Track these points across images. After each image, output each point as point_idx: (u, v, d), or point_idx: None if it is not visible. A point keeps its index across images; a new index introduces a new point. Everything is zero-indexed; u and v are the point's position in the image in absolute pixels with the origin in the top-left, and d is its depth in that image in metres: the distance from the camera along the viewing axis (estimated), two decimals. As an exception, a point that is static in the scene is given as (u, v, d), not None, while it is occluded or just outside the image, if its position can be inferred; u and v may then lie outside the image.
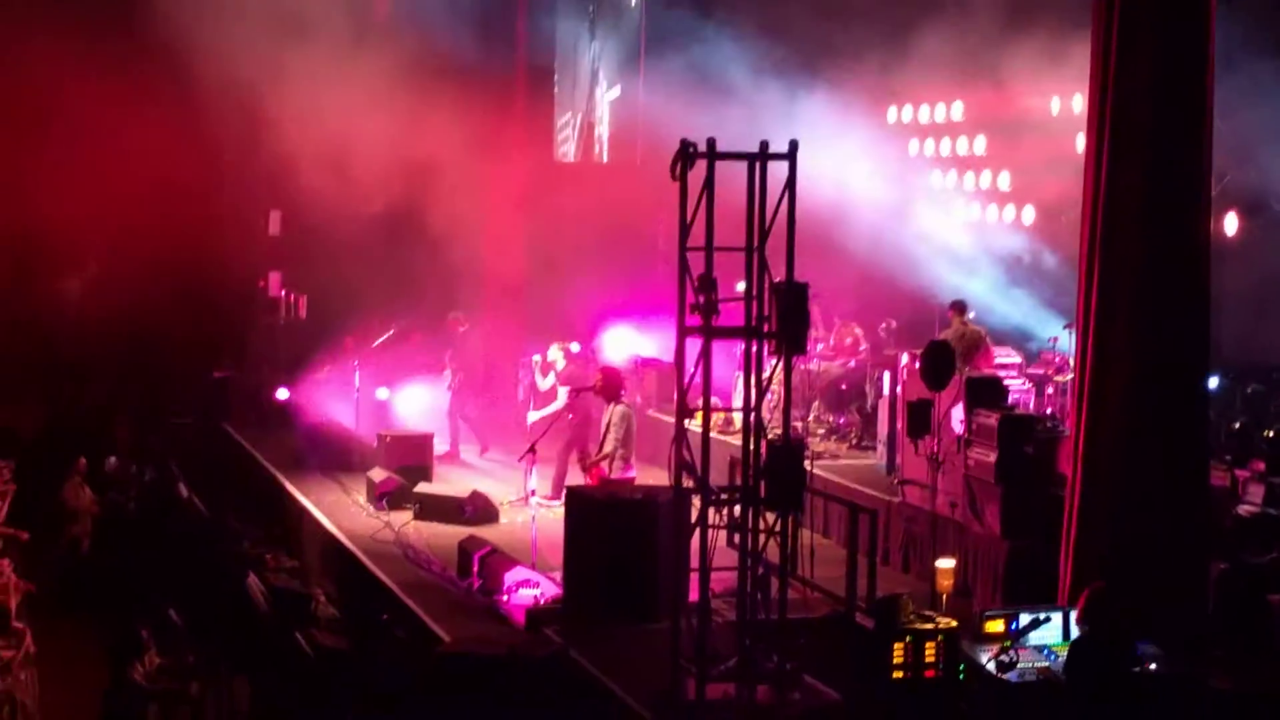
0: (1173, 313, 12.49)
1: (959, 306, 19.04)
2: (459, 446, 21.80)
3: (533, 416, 19.81)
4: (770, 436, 11.99)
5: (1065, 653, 10.97)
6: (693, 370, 11.79)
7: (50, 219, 27.21)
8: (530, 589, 14.45)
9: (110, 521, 20.59)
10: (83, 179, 25.90)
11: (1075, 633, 11.02)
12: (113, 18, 23.96)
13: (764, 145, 11.74)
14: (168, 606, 15.69)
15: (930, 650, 11.25)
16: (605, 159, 28.79)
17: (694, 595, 12.09)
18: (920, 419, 15.95)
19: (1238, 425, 17.63)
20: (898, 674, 11.28)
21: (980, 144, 23.05)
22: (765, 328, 11.75)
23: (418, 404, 22.11)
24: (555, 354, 20.14)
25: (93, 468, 21.51)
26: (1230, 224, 17.34)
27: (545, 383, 20.03)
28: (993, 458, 14.98)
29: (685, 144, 11.59)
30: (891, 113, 24.87)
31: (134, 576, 18.21)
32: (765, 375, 11.98)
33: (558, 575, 14.47)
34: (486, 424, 22.49)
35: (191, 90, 24.04)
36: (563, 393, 19.59)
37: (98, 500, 20.91)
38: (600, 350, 22.16)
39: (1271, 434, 17.00)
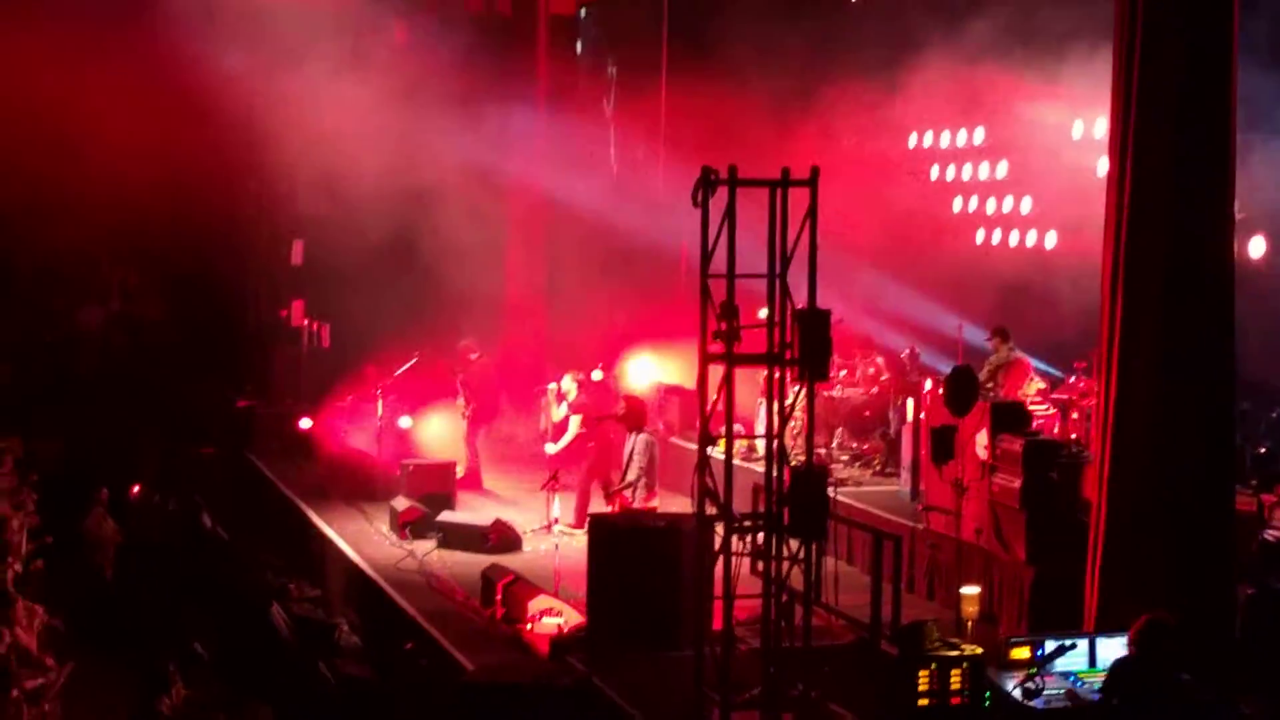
0: (1197, 337, 12.43)
1: (1001, 333, 18.93)
2: (480, 474, 21.78)
3: (550, 449, 19.75)
4: (793, 463, 11.96)
5: (1091, 677, 10.93)
6: (715, 397, 11.77)
7: (73, 248, 27.37)
8: (554, 617, 14.42)
9: (133, 551, 20.60)
10: (105, 208, 26.03)
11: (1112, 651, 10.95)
12: (134, 45, 24.03)
13: (785, 172, 11.74)
14: (194, 640, 15.69)
15: (956, 677, 11.19)
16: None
17: (718, 623, 12.05)
18: (944, 445, 15.89)
19: (1263, 450, 17.54)
20: (923, 701, 11.22)
21: (1002, 169, 23.01)
22: (787, 354, 11.73)
23: (440, 432, 22.08)
24: (569, 384, 20.11)
25: (115, 497, 21.54)
26: (1256, 247, 17.26)
27: (559, 413, 19.99)
28: (1017, 483, 14.92)
29: (706, 170, 11.60)
30: (913, 138, 24.85)
31: (158, 607, 18.20)
32: (788, 402, 11.95)
33: (581, 603, 14.44)
34: (499, 454, 22.50)
35: (214, 118, 24.14)
36: (574, 422, 19.51)
37: (120, 530, 20.93)
38: (621, 378, 22.15)
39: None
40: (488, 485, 21.76)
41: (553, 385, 20.63)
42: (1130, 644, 10.33)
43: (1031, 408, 17.07)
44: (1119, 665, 10.35)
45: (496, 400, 22.41)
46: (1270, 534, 14.31)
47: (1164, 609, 10.79)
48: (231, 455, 24.87)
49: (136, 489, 22.96)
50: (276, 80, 23.83)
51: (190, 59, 23.90)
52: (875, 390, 21.27)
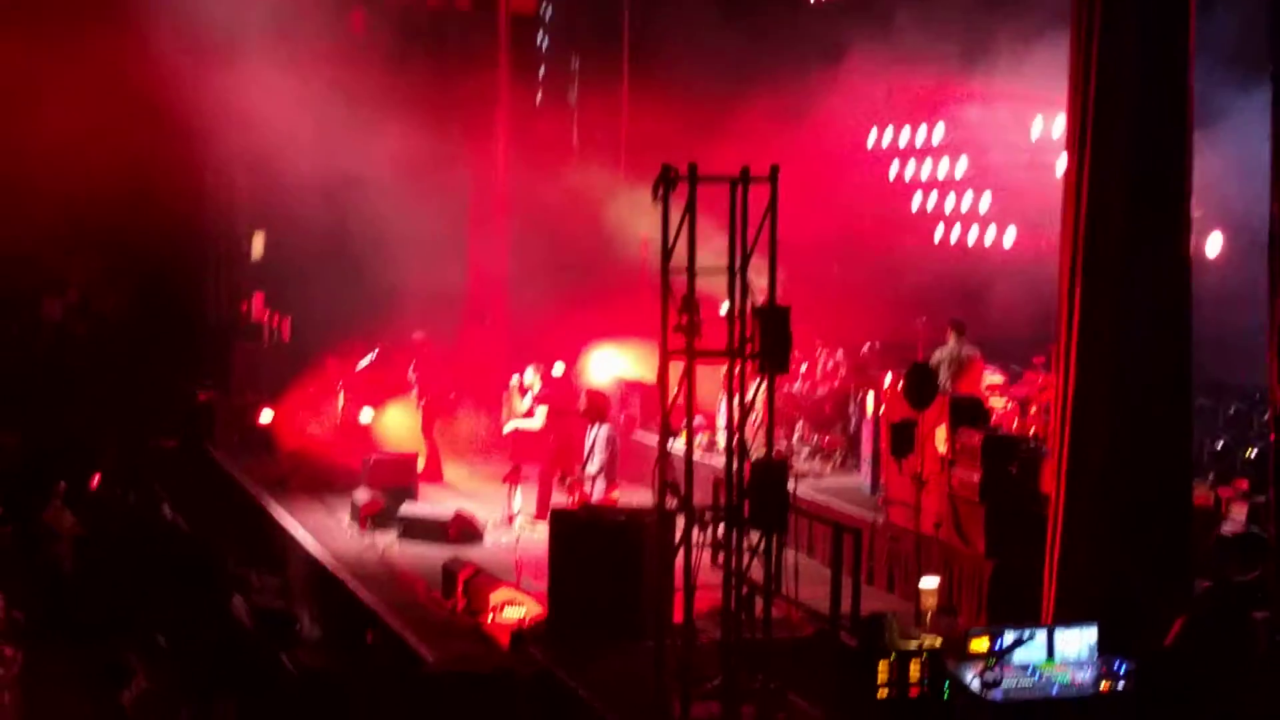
0: (1154, 333, 12.54)
1: (958, 326, 19.01)
2: (440, 466, 21.79)
3: (509, 426, 19.78)
4: (754, 457, 12.03)
5: (1049, 669, 11.07)
6: (676, 391, 11.83)
7: (31, 241, 27.21)
8: (515, 609, 14.45)
9: (92, 543, 20.52)
10: (63, 200, 25.90)
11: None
12: (92, 36, 23.94)
13: (745, 169, 11.81)
14: (155, 632, 15.65)
15: (915, 669, 11.26)
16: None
17: (678, 615, 12.11)
18: (904, 439, 16.00)
19: (1220, 444, 17.69)
20: (882, 693, 11.29)
21: (961, 166, 23.13)
22: (748, 349, 11.80)
23: (400, 425, 22.07)
24: (532, 377, 20.15)
25: (74, 490, 21.45)
26: (1213, 244, 17.41)
27: (522, 405, 20.02)
28: (976, 477, 15.03)
29: (666, 168, 11.65)
30: (872, 135, 24.95)
31: (118, 599, 18.16)
32: (749, 396, 12.02)
33: (542, 595, 14.48)
34: (460, 447, 22.51)
35: (173, 110, 24.06)
36: (540, 412, 19.56)
37: (79, 522, 20.85)
38: (583, 372, 22.17)
39: (1254, 453, 17.05)
40: (448, 478, 21.76)
41: (515, 378, 20.66)
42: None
43: (991, 403, 17.21)
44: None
45: (447, 391, 22.38)
46: (1227, 528, 14.44)
47: (1101, 601, 10.95)
48: (192, 448, 24.80)
49: (96, 481, 22.88)
50: (235, 72, 23.78)
51: (149, 50, 23.82)
52: (836, 385, 21.36)
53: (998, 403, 18.01)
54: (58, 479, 21.12)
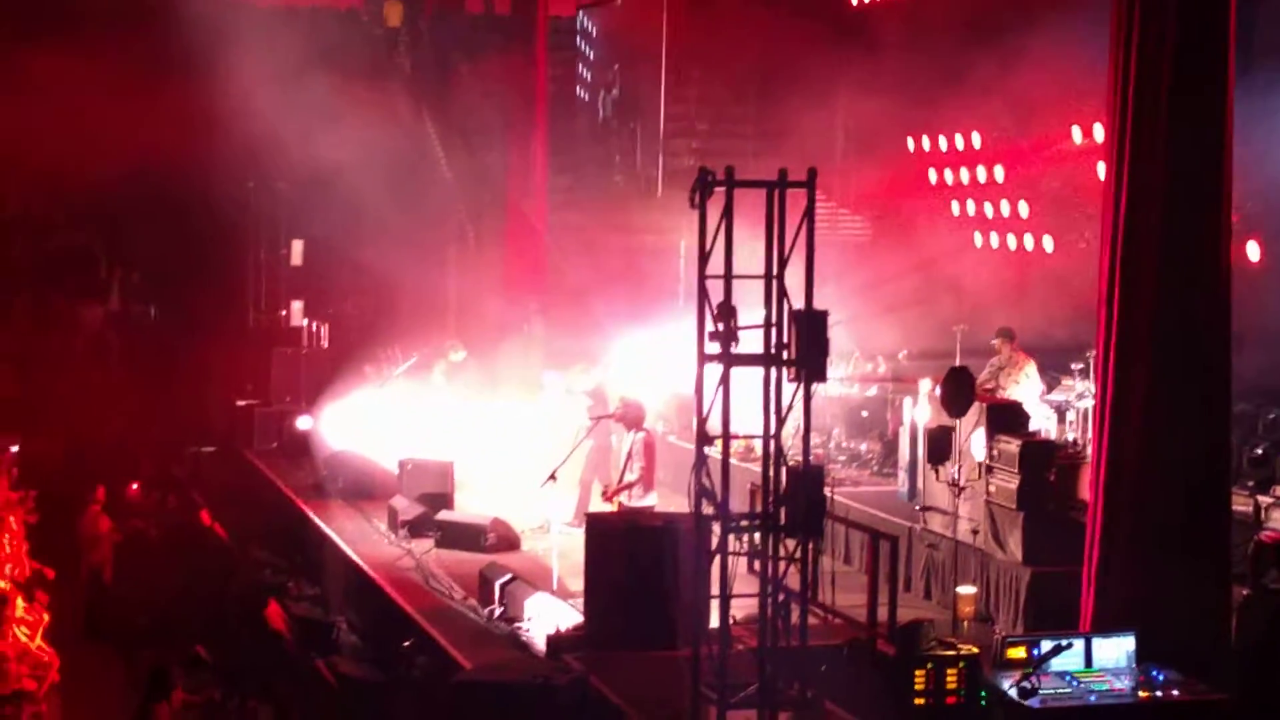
0: (1193, 339, 12.49)
1: (1006, 334, 18.95)
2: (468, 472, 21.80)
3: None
4: (790, 463, 12.01)
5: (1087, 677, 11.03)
6: (713, 397, 11.82)
7: (72, 247, 27.40)
8: (551, 616, 14.45)
9: (132, 549, 20.64)
10: (104, 208, 26.08)
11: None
12: (132, 44, 24.12)
13: (782, 173, 11.79)
14: (196, 643, 15.72)
15: (952, 677, 11.25)
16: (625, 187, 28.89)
17: (715, 622, 12.10)
18: (941, 445, 15.97)
19: (1259, 451, 17.57)
20: (919, 701, 11.28)
21: (999, 173, 23.05)
22: (784, 355, 11.78)
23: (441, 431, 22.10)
24: (578, 377, 20.14)
25: (114, 496, 21.58)
26: (1252, 251, 17.31)
27: (559, 403, 19.97)
28: (1014, 484, 14.98)
29: (704, 171, 11.65)
30: (910, 142, 24.90)
31: (157, 606, 18.25)
32: (785, 402, 12.00)
33: (579, 602, 14.48)
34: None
35: (214, 119, 24.21)
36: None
37: (119, 528, 20.97)
38: (620, 378, 22.14)
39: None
40: (486, 484, 21.78)
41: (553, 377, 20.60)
42: None
43: (1032, 409, 17.12)
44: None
45: (480, 398, 22.41)
46: (1266, 535, 14.34)
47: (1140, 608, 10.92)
48: (231, 454, 24.91)
49: (135, 487, 23.00)
50: (277, 84, 23.92)
51: (192, 62, 23.99)
52: (873, 391, 21.31)
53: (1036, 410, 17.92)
54: (96, 486, 21.27)
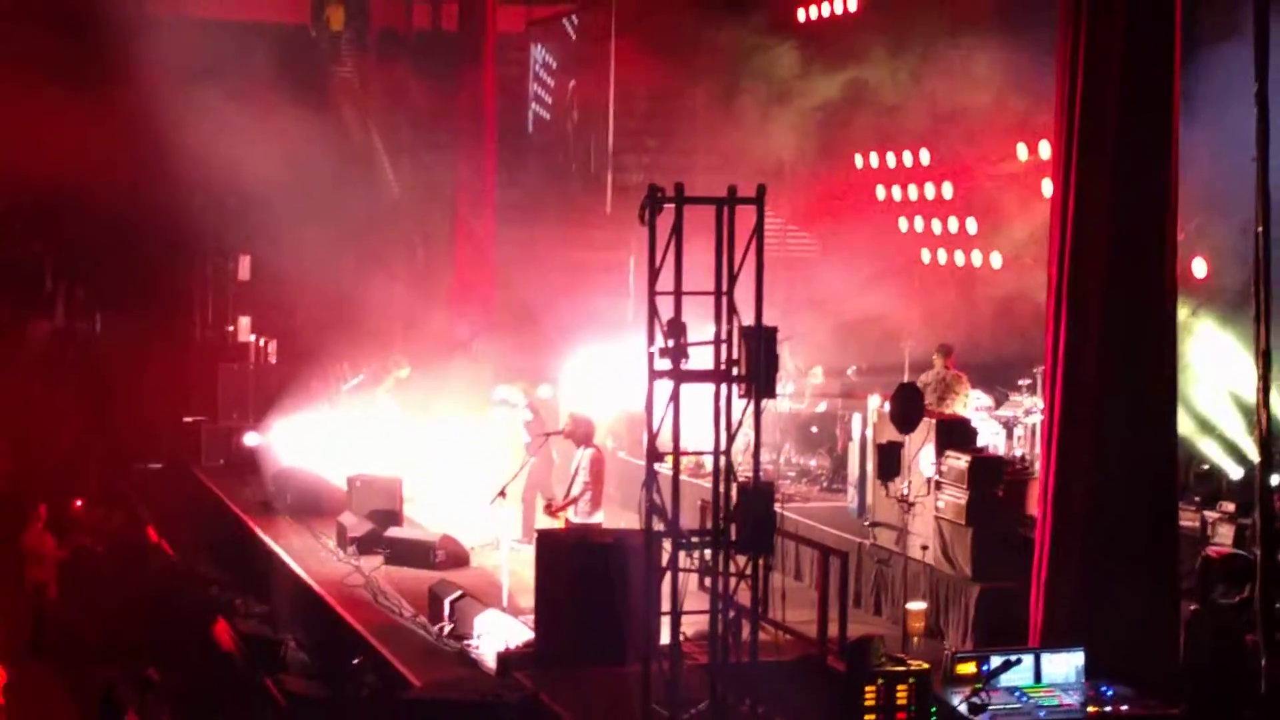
0: (1140, 356, 12.56)
1: (943, 349, 19.06)
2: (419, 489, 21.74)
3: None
4: (740, 479, 12.01)
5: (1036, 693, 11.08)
6: (663, 414, 11.81)
7: (17, 261, 27.20)
8: (501, 633, 14.40)
9: (79, 566, 20.49)
10: (50, 222, 25.90)
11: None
12: (80, 59, 24.00)
13: (732, 190, 11.81)
14: (144, 661, 15.60)
15: (902, 693, 11.24)
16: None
17: (665, 639, 12.08)
18: (890, 461, 16.01)
19: (1205, 467, 17.69)
20: (869, 717, 11.26)
21: (947, 190, 23.15)
22: (734, 371, 11.79)
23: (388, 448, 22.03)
24: (515, 395, 20.11)
25: (59, 512, 21.40)
26: (1198, 268, 17.43)
27: (507, 418, 19.94)
28: (963, 499, 15.03)
29: (653, 188, 11.66)
30: (858, 159, 24.98)
31: (104, 623, 18.12)
32: (735, 419, 12.00)
33: (529, 619, 14.44)
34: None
35: (160, 134, 24.10)
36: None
37: (64, 545, 20.80)
38: (569, 394, 22.12)
39: (1239, 476, 17.04)
40: (435, 500, 21.71)
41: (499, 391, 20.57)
42: None
43: (976, 425, 17.21)
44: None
45: (426, 415, 22.37)
46: (1213, 550, 14.45)
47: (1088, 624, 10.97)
48: (178, 471, 24.77)
49: (79, 504, 22.83)
50: (224, 98, 23.86)
51: (138, 76, 23.88)
52: (823, 407, 21.37)
53: (985, 426, 18.01)
54: (38, 502, 21.10)
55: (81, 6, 24.55)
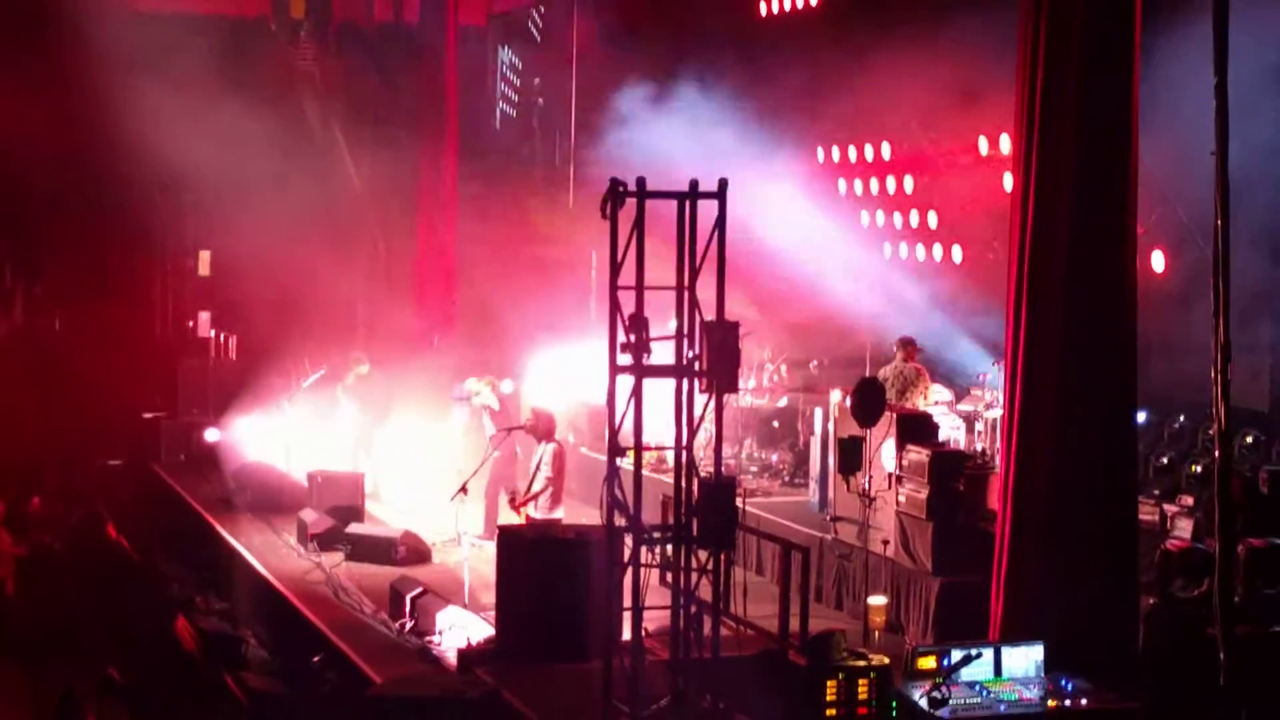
0: (1100, 348, 12.58)
1: (905, 343, 19.09)
2: (378, 486, 21.68)
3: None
4: (702, 474, 12.00)
5: (997, 687, 11.11)
6: (624, 409, 11.79)
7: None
8: (462, 630, 14.38)
9: (37, 564, 20.34)
10: (6, 217, 25.74)
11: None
12: (38, 52, 23.87)
13: (694, 184, 11.79)
14: (104, 660, 15.49)
15: (863, 687, 11.27)
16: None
17: (627, 634, 12.07)
18: (852, 456, 16.03)
19: (1165, 460, 17.77)
20: (830, 711, 11.29)
21: (909, 184, 23.20)
22: (696, 366, 11.78)
23: (345, 444, 21.97)
24: (477, 386, 20.06)
25: (17, 510, 21.25)
26: (1157, 261, 17.51)
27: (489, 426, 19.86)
28: (924, 494, 15.06)
29: (615, 182, 11.63)
30: (820, 153, 25.01)
31: (63, 621, 17.99)
32: (697, 414, 11.99)
33: (490, 615, 14.42)
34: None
35: (118, 127, 23.97)
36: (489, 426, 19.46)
37: (22, 542, 20.64)
38: (531, 388, 22.10)
39: (1199, 469, 17.14)
40: (396, 497, 21.67)
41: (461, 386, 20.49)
42: None
43: (937, 419, 17.26)
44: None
45: (386, 412, 22.31)
46: (1172, 543, 14.47)
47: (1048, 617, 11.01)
48: (137, 467, 24.65)
49: (36, 502, 22.67)
50: (182, 91, 23.75)
51: (95, 68, 23.74)
52: (784, 401, 21.39)
53: (945, 420, 18.05)
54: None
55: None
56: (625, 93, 24.54)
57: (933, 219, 22.77)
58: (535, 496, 16.55)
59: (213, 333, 26.83)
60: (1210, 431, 15.16)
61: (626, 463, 12.08)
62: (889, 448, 15.69)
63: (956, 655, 11.32)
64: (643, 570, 11.81)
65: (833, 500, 17.03)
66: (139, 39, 23.88)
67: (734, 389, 12.29)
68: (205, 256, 27.65)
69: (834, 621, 14.65)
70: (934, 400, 18.45)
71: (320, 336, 24.07)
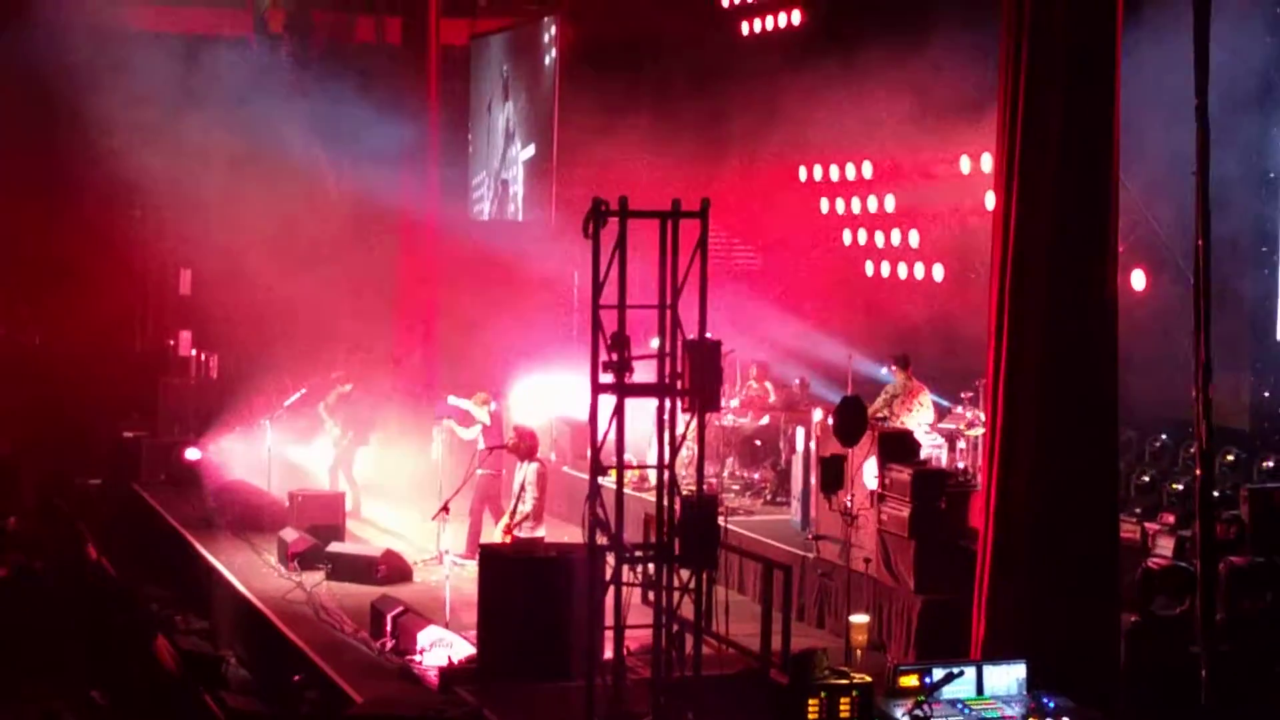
0: (1081, 367, 12.61)
1: (901, 360, 19.11)
2: (359, 504, 21.66)
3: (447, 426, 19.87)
4: (684, 493, 11.99)
5: (978, 705, 11.11)
6: (606, 428, 11.79)
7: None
8: (444, 649, 14.34)
9: (14, 584, 20.25)
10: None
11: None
12: (15, 63, 23.86)
13: (676, 203, 11.80)
14: (84, 679, 15.45)
15: (845, 706, 11.26)
16: (520, 217, 28.84)
17: (608, 653, 12.05)
18: (833, 474, 16.03)
19: (1146, 478, 17.80)
20: (813, 730, 11.27)
21: (890, 202, 23.25)
22: (679, 384, 11.78)
23: (327, 463, 21.94)
24: (473, 406, 20.05)
25: (-6, 529, 21.18)
26: (1138, 279, 17.56)
27: (468, 433, 19.84)
28: (906, 512, 15.05)
29: (598, 202, 11.64)
30: (802, 171, 25.05)
31: (43, 641, 17.92)
32: (679, 432, 11.99)
33: (472, 634, 14.39)
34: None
35: (101, 148, 23.96)
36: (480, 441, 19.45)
37: (1, 562, 20.56)
38: (513, 407, 22.08)
39: (1180, 487, 17.16)
40: (376, 515, 21.62)
41: (448, 422, 20.44)
42: None
43: (923, 438, 17.28)
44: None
45: (368, 431, 22.28)
46: (1154, 562, 14.50)
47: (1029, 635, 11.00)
48: (117, 486, 24.57)
49: (12, 521, 22.59)
50: (162, 110, 23.76)
51: (73, 86, 23.73)
52: (766, 419, 21.40)
53: (928, 440, 18.08)
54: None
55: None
56: (605, 112, 24.62)
57: (914, 238, 22.80)
58: (526, 518, 16.52)
59: (194, 351, 26.78)
60: (1191, 450, 15.19)
61: (608, 481, 12.07)
62: (871, 466, 15.70)
63: (938, 673, 11.32)
64: (625, 589, 11.80)
65: (815, 519, 17.03)
66: (119, 55, 23.86)
67: (716, 408, 12.29)
68: (186, 275, 27.58)
69: (816, 640, 14.65)
70: (917, 421, 18.45)
71: (301, 355, 24.03)
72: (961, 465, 17.69)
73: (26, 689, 16.61)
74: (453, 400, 20.28)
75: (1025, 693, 11.56)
